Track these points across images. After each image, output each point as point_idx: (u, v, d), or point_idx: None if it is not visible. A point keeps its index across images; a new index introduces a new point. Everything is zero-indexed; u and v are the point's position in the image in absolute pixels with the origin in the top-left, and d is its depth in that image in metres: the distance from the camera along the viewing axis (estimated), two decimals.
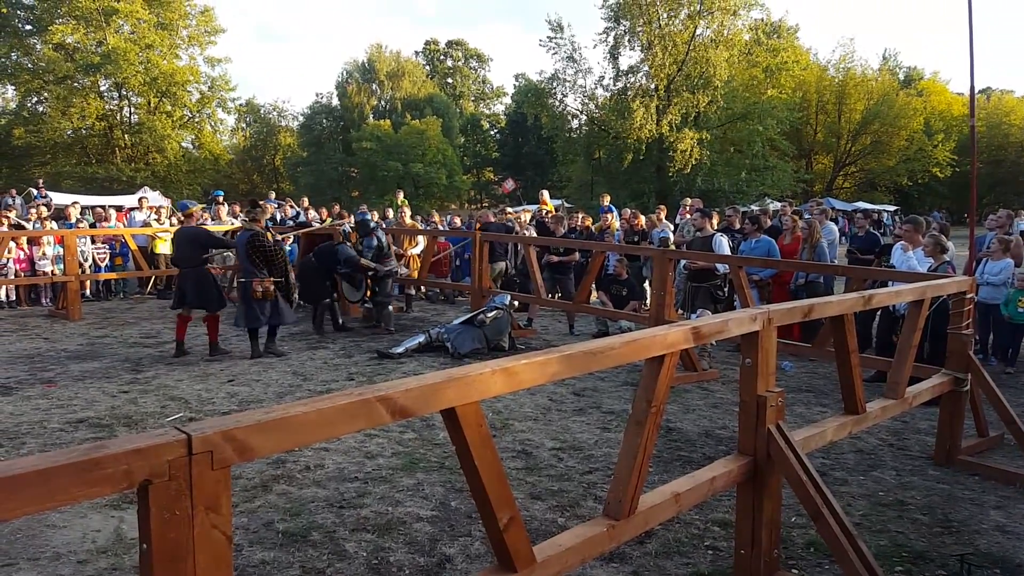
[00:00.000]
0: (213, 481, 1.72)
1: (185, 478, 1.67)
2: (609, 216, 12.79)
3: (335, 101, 54.08)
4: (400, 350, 8.74)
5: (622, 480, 2.92)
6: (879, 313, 7.83)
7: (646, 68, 36.55)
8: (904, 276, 6.44)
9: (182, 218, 10.97)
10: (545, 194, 17.34)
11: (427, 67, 63.65)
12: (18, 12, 37.22)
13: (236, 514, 4.22)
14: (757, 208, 22.71)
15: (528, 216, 14.43)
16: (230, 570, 1.80)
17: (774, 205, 20.29)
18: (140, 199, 17.44)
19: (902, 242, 8.02)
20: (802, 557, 3.89)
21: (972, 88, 5.43)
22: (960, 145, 43.85)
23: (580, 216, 13.94)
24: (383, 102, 55.38)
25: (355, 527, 4.16)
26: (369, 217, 11.11)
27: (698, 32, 35.49)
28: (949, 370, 5.26)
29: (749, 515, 3.45)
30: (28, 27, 37.68)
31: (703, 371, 7.88)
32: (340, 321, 10.36)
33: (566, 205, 32.06)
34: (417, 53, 64.45)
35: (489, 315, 9.18)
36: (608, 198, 14.73)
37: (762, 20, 40.68)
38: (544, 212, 15.26)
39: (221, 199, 16.40)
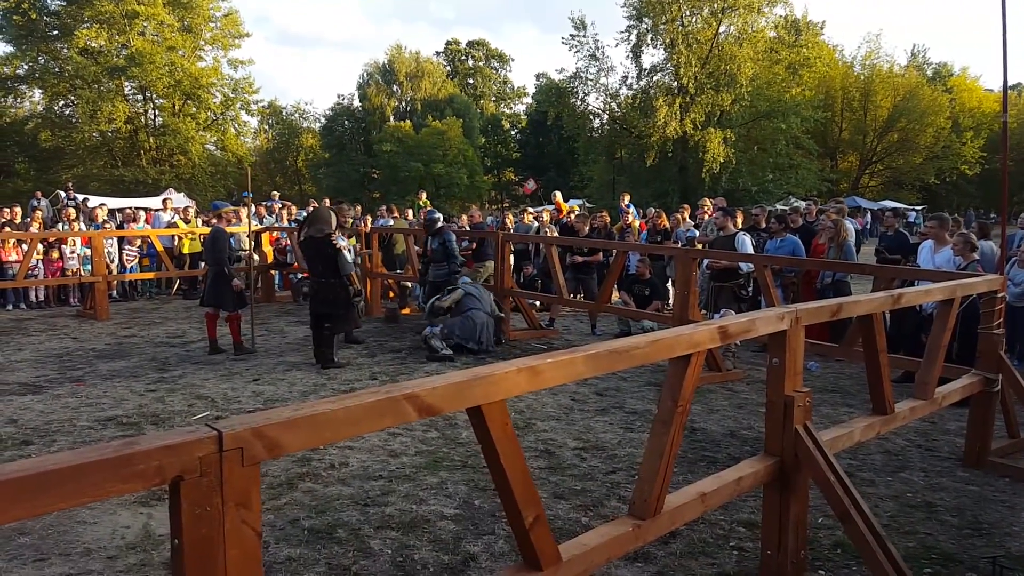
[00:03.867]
0: (243, 477, 1.74)
1: (216, 474, 1.68)
2: (628, 215, 12.70)
3: (356, 103, 54.40)
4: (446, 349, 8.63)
5: (647, 480, 2.91)
6: (908, 313, 7.71)
7: (670, 67, 36.37)
8: (932, 275, 6.34)
9: (213, 219, 10.97)
10: (558, 195, 17.14)
11: (448, 67, 63.68)
12: (44, 18, 37.78)
13: (263, 511, 4.25)
14: (783, 207, 22.49)
15: (547, 217, 14.35)
16: (259, 565, 1.82)
17: (798, 204, 20.06)
18: (164, 200, 17.95)
19: (929, 240, 7.90)
20: (829, 558, 3.85)
21: (1005, 83, 5.35)
22: (990, 142, 43.14)
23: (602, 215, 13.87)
24: (403, 103, 55.63)
25: (380, 525, 4.18)
26: (436, 216, 10.34)
27: (721, 30, 35.29)
28: (979, 370, 5.18)
29: (776, 516, 3.43)
30: (54, 32, 38.24)
31: (728, 371, 7.83)
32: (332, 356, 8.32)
33: (587, 205, 31.93)
34: (438, 53, 64.46)
35: (445, 300, 9.01)
36: (627, 197, 14.65)
37: (783, 17, 40.30)
38: (564, 213, 15.19)
39: (249, 199, 16.52)
